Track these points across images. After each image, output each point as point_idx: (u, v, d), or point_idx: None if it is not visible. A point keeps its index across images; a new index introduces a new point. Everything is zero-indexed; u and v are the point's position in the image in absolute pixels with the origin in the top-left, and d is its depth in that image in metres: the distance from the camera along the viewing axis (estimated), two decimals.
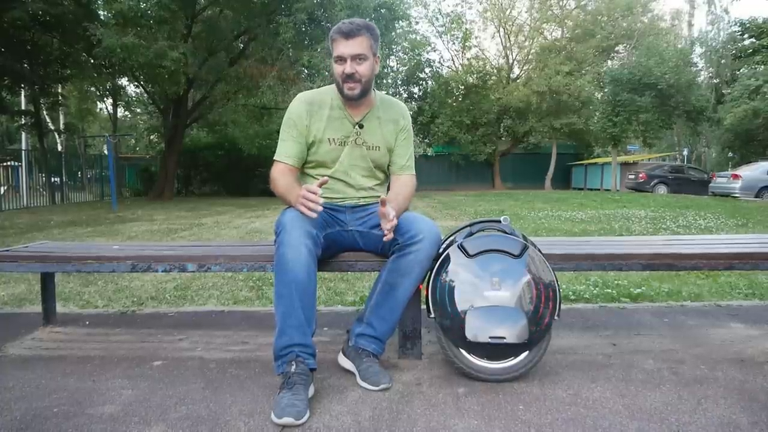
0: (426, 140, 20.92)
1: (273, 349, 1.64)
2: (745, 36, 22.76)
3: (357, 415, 1.52)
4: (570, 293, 3.01)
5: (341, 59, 1.82)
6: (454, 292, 1.69)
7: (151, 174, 18.42)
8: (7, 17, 11.46)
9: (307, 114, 1.89)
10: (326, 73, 12.37)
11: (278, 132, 1.97)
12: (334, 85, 1.95)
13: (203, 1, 13.74)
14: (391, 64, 19.03)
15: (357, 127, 1.92)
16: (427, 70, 25.92)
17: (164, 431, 1.44)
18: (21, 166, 15.62)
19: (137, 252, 2.13)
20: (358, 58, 1.81)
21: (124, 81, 18.74)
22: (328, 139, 1.90)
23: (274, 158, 1.92)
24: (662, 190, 19.08)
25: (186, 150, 17.84)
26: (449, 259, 1.72)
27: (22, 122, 17.16)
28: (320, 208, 1.66)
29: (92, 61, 13.96)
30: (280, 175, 1.88)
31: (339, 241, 1.91)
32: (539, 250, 1.74)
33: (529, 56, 26.92)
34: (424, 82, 26.50)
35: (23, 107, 18.12)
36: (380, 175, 2.01)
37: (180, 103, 15.15)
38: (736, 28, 23.34)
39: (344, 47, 1.81)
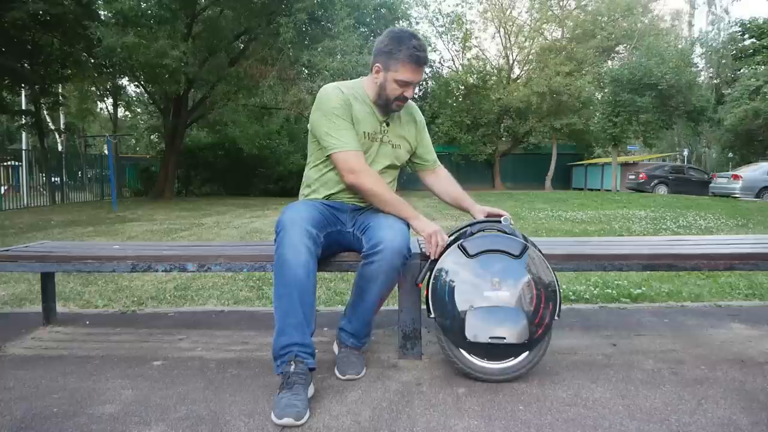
0: None
1: (272, 349, 1.64)
2: (746, 36, 22.85)
3: (357, 415, 1.52)
4: (570, 293, 3.01)
5: (407, 84, 1.83)
6: (454, 292, 1.69)
7: (151, 174, 18.41)
8: (7, 17, 11.47)
9: (348, 102, 1.86)
10: (326, 73, 12.35)
11: (278, 132, 1.95)
12: (360, 81, 1.95)
13: (203, 1, 13.73)
14: None
15: (384, 124, 1.94)
16: (427, 70, 25.87)
17: (164, 431, 1.44)
18: (21, 165, 15.62)
19: (137, 252, 2.13)
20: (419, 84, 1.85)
21: (124, 81, 18.74)
22: (363, 132, 1.89)
23: (337, 150, 1.80)
24: (662, 190, 19.08)
25: (186, 150, 17.83)
26: (449, 259, 1.72)
27: (23, 122, 17.16)
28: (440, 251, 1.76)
29: (92, 60, 13.97)
30: (371, 173, 1.83)
31: (339, 241, 1.90)
32: (539, 251, 1.74)
33: (530, 56, 26.90)
34: (424, 82, 26.46)
35: (24, 107, 18.08)
36: (394, 173, 2.04)
37: (180, 102, 15.15)
38: (737, 29, 23.45)
39: (417, 75, 1.84)
